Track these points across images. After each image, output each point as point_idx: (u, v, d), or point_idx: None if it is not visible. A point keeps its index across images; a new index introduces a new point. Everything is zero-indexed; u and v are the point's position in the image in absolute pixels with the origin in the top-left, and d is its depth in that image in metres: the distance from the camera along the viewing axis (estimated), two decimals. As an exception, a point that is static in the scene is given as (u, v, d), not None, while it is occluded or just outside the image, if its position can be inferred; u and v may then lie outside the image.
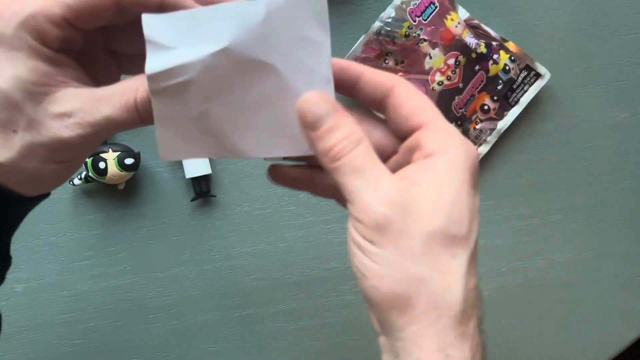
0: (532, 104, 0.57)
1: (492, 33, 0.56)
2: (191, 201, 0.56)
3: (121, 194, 0.56)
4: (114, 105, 0.27)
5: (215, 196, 0.56)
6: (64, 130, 0.27)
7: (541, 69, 0.56)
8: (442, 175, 0.27)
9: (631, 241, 0.58)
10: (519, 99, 0.56)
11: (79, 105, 0.27)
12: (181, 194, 0.56)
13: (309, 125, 0.27)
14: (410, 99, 0.29)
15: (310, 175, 0.32)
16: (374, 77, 0.30)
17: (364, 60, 0.53)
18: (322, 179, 0.32)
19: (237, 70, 0.28)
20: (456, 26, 0.53)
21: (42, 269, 0.57)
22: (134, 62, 0.33)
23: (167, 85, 0.28)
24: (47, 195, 0.32)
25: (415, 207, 0.26)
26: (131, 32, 0.31)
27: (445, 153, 0.28)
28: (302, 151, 0.30)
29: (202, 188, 0.55)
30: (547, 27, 0.57)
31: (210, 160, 0.55)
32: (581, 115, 0.57)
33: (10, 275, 0.55)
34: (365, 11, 0.55)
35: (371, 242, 0.26)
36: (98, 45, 0.32)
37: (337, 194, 0.30)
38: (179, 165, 0.56)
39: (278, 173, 0.33)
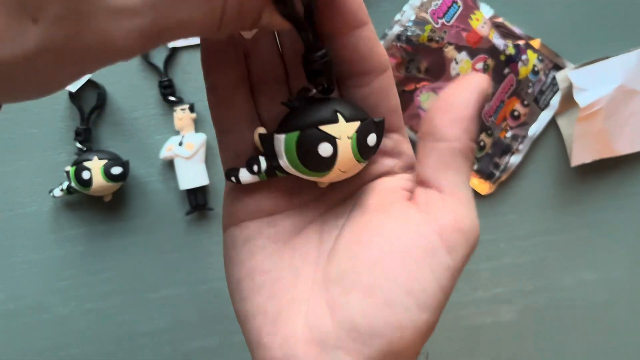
0: (561, 109, 0.52)
1: (517, 31, 0.51)
2: (186, 215, 0.51)
3: (107, 207, 0.51)
4: (196, 5, 0.18)
5: (212, 209, 0.51)
6: (118, 34, 0.17)
7: (570, 67, 0.51)
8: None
9: (667, 258, 0.54)
10: (549, 102, 0.51)
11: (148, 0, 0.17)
12: (175, 206, 0.51)
13: None
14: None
15: None
16: None
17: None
18: None
19: (623, 97, 0.49)
20: (482, 26, 0.48)
21: (20, 289, 0.52)
22: None
23: (589, 113, 0.48)
24: None
25: None
26: None
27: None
28: None
29: (198, 200, 0.50)
30: (575, 22, 0.52)
31: (208, 170, 0.50)
32: (613, 120, 0.53)
33: (-17, 297, 0.52)
34: (378, 14, 0.50)
35: None
36: None
37: None
38: (171, 175, 0.51)
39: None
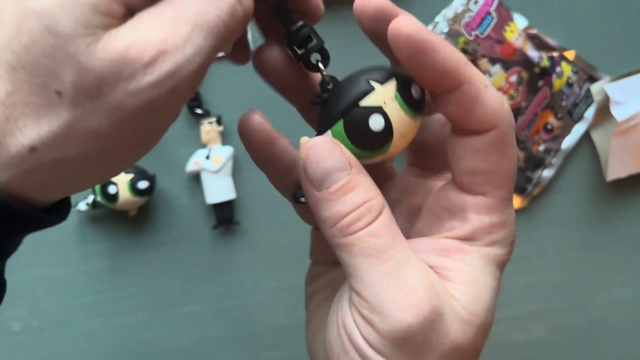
0: (596, 121, 0.51)
1: (552, 42, 0.50)
2: (212, 229, 0.50)
3: (133, 221, 0.51)
4: (214, 26, 0.19)
5: (239, 223, 0.51)
6: (150, 85, 0.18)
7: (606, 79, 0.50)
8: (478, 273, 0.23)
9: None
10: (583, 114, 0.50)
11: (165, 35, 0.18)
12: (201, 221, 0.51)
13: (314, 182, 0.21)
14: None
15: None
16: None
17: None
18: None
19: None
20: (517, 39, 0.47)
21: (43, 305, 0.51)
22: None
23: (626, 127, 0.47)
24: (64, 214, 0.23)
25: (445, 317, 0.21)
26: None
27: (487, 244, 0.23)
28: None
29: (224, 215, 0.50)
30: (611, 33, 0.52)
31: (235, 184, 0.49)
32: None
33: (6, 312, 0.50)
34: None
35: (382, 354, 0.21)
36: None
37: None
38: (198, 189, 0.50)
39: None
